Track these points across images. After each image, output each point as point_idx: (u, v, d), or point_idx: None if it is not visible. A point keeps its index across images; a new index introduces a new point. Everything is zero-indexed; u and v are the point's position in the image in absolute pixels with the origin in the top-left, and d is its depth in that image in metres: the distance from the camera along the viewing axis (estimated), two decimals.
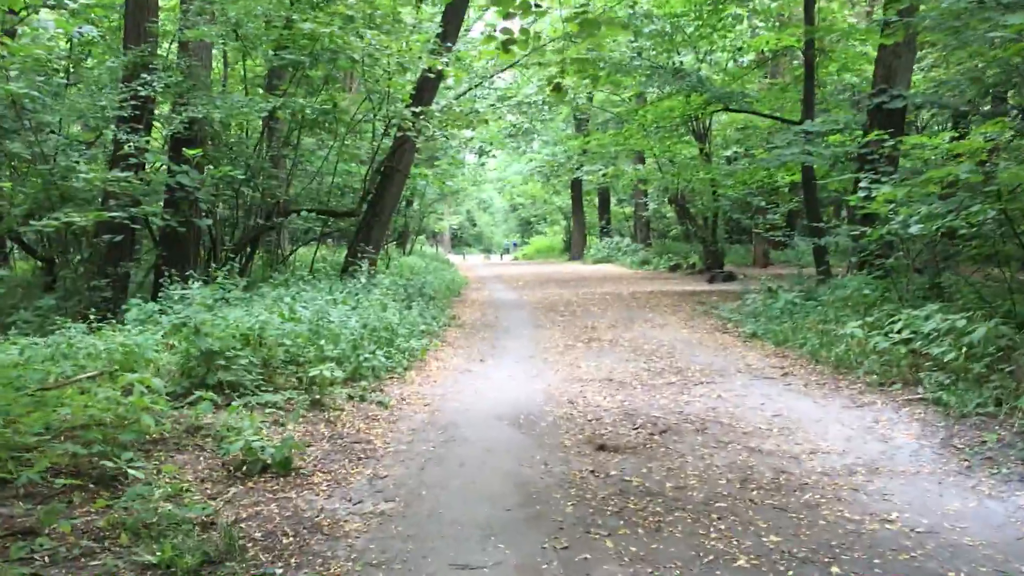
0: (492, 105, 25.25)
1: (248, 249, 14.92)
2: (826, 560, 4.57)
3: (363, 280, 13.29)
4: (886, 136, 11.61)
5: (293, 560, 4.62)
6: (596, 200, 43.42)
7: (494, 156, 42.30)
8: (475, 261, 47.69)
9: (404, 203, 28.81)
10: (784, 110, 22.52)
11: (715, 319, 14.65)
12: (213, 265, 12.54)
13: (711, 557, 4.62)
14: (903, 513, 5.28)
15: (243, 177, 13.41)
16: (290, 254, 18.26)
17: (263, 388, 7.98)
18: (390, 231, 24.76)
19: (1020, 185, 9.79)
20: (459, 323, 14.84)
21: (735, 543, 4.81)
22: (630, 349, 11.77)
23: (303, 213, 16.17)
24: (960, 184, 10.11)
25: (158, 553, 4.54)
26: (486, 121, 21.41)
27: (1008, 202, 9.12)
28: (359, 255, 15.14)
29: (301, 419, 7.45)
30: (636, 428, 7.45)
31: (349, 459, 6.46)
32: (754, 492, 5.72)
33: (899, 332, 9.24)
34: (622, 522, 5.14)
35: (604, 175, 32.46)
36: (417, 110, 14.70)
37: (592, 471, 6.18)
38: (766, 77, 26.34)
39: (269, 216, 14.90)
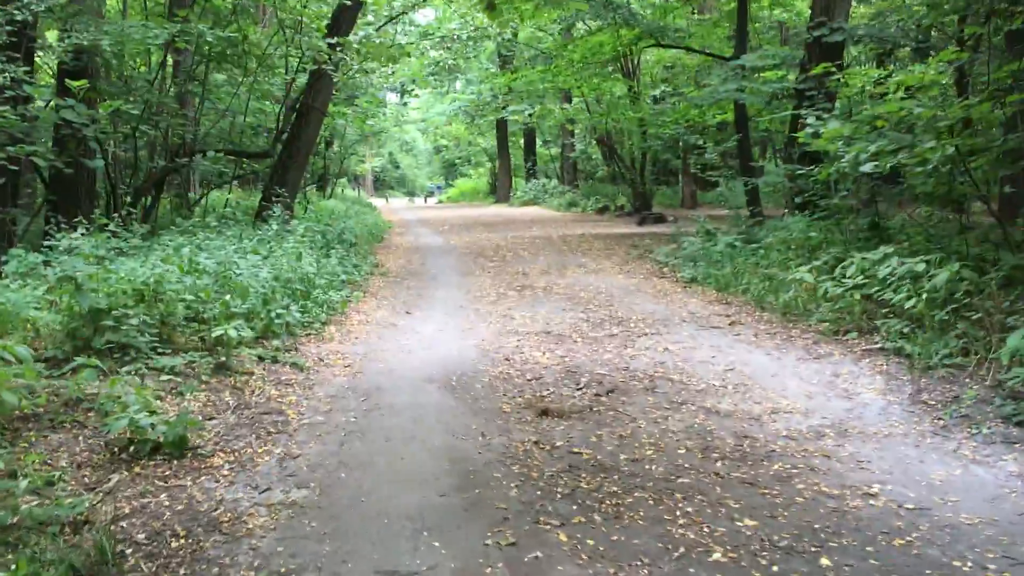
0: (412, 43, 23.94)
1: (152, 193, 13.67)
2: (813, 549, 3.96)
3: (275, 226, 12.20)
4: (833, 69, 11.01)
5: (183, 570, 3.81)
6: (522, 141, 42.33)
7: (416, 95, 40.90)
8: (399, 204, 46.33)
9: (323, 144, 27.48)
10: (714, 47, 21.84)
11: (651, 263, 14.03)
12: (100, 210, 11.30)
13: (682, 550, 3.96)
14: (885, 485, 4.72)
15: (138, 114, 12.14)
16: (200, 198, 16.94)
17: (160, 351, 7.02)
18: (308, 173, 23.53)
19: (972, 121, 9.31)
20: (383, 271, 13.93)
21: (707, 530, 4.17)
22: (566, 297, 11.06)
23: (211, 154, 14.94)
24: (905, 120, 9.58)
25: (12, 567, 3.69)
26: (408, 55, 20.20)
27: (966, 138, 8.60)
28: (274, 199, 14.03)
29: (203, 386, 6.53)
30: (580, 388, 6.76)
31: (257, 435, 5.59)
32: (718, 463, 5.09)
33: (851, 277, 8.73)
34: (575, 507, 4.44)
35: (530, 115, 31.43)
36: (334, 41, 13.54)
37: (536, 442, 5.46)
38: (694, 12, 25.56)
39: (174, 157, 13.66)
